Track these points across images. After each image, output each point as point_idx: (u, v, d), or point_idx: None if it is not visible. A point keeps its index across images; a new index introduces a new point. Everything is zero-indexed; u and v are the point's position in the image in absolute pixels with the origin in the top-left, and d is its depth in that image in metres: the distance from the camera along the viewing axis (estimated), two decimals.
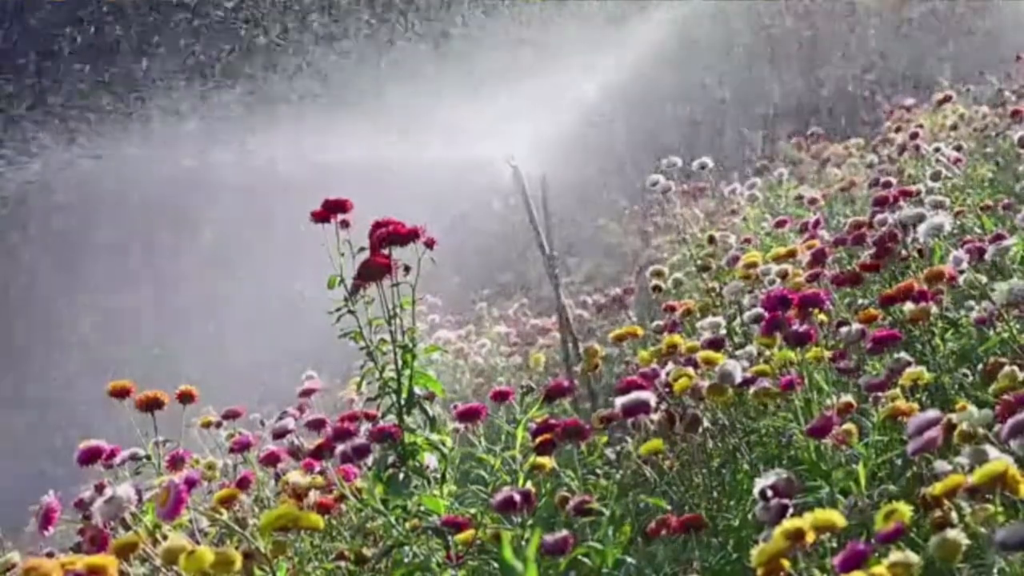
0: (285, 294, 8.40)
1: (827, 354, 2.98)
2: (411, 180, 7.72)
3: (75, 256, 10.51)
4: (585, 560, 2.37)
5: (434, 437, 2.99)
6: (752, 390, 3.02)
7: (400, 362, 2.99)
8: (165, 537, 2.40)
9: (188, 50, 10.74)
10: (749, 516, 2.90)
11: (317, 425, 3.37)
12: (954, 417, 2.23)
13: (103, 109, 10.15)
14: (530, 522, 2.56)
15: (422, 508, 2.86)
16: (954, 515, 1.97)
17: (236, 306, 9.23)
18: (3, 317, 10.79)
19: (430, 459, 2.97)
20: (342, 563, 2.90)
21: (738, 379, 3.05)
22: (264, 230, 9.29)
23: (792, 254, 4.19)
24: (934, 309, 3.27)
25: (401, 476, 2.90)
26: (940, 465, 2.12)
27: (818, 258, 4.01)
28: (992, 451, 2.03)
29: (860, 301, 3.97)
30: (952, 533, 1.86)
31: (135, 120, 10.32)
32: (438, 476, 2.97)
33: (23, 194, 10.28)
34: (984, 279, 3.44)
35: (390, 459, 2.92)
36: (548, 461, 2.89)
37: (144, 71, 10.49)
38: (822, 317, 3.44)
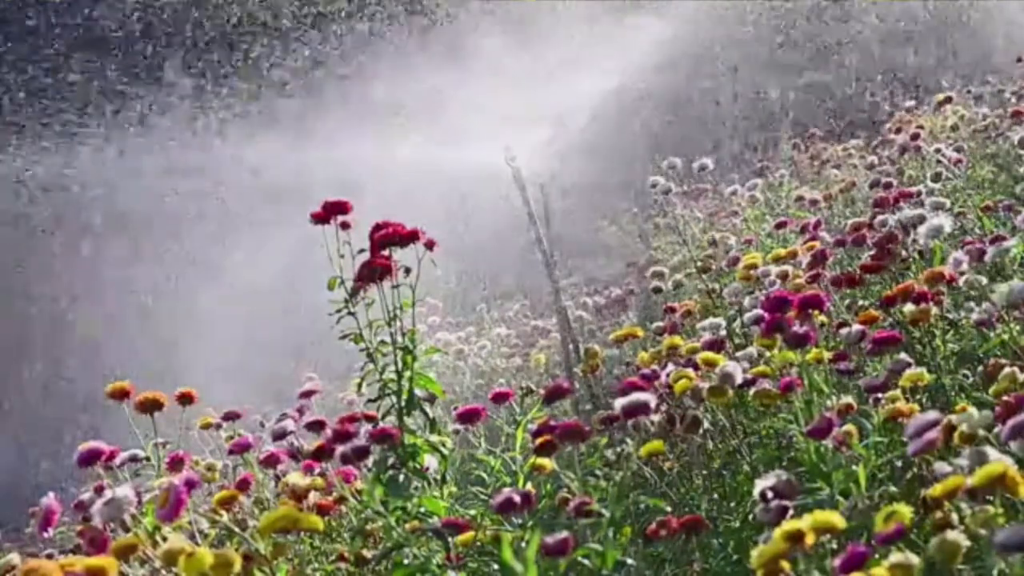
0: (286, 295, 8.41)
1: (827, 355, 2.98)
2: (411, 181, 7.72)
3: (75, 256, 10.52)
4: (585, 562, 2.37)
5: (434, 438, 2.99)
6: (752, 391, 3.02)
7: (400, 364, 2.99)
8: (165, 539, 2.40)
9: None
10: (749, 517, 2.89)
11: (317, 427, 3.37)
12: (954, 418, 2.23)
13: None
14: (530, 523, 2.55)
15: (422, 510, 2.86)
16: (954, 516, 1.97)
17: (236, 307, 9.24)
18: (3, 316, 10.80)
19: (430, 460, 2.98)
20: (342, 565, 2.90)
21: (738, 380, 3.04)
22: (263, 230, 9.30)
23: (792, 255, 4.19)
24: (934, 310, 3.27)
25: (401, 478, 2.90)
26: (940, 467, 2.12)
27: (818, 259, 4.01)
28: (992, 453, 2.03)
29: (860, 302, 3.97)
30: (952, 534, 1.85)
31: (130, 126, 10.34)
32: (438, 478, 2.97)
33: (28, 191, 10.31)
34: (984, 280, 3.44)
35: (390, 461, 2.92)
36: (548, 462, 2.88)
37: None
38: (822, 318, 3.43)
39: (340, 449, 2.79)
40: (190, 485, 2.41)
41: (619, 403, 2.57)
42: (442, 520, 2.73)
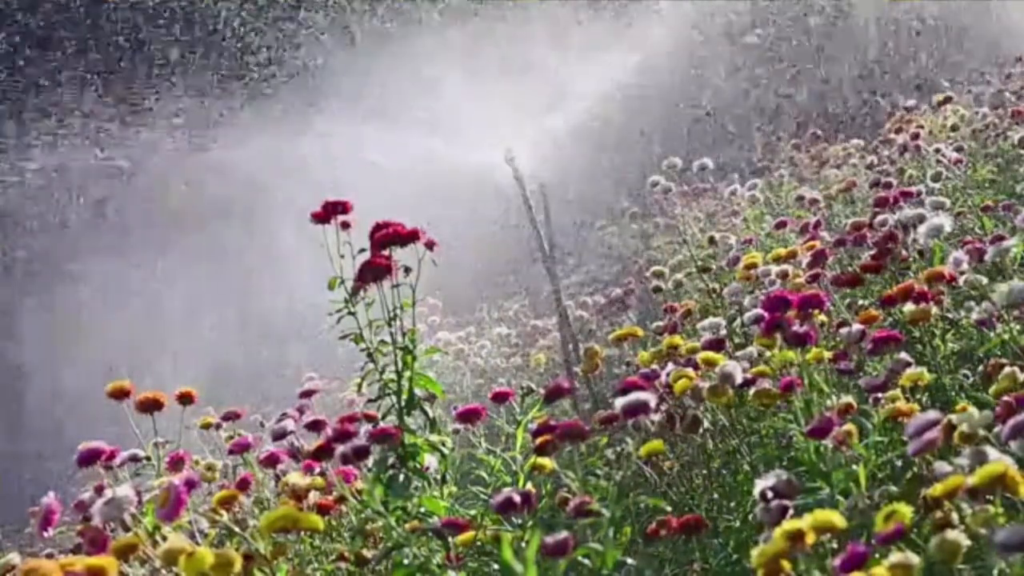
0: (285, 295, 8.40)
1: (827, 355, 2.98)
2: (411, 180, 7.72)
3: (72, 255, 10.51)
4: (585, 562, 2.37)
5: (434, 438, 2.99)
6: (752, 391, 3.02)
7: (400, 363, 2.99)
8: (165, 538, 2.40)
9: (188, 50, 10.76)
10: (749, 517, 2.89)
11: (317, 426, 3.36)
12: (954, 418, 2.23)
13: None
14: (530, 523, 2.55)
15: (422, 509, 2.86)
16: (954, 516, 1.97)
17: (235, 307, 9.24)
18: (3, 314, 10.81)
19: (430, 460, 2.98)
20: (342, 564, 2.90)
21: (738, 380, 3.04)
22: (263, 230, 9.30)
23: (792, 255, 4.19)
24: (934, 310, 3.27)
25: (401, 477, 2.90)
26: (940, 466, 2.12)
27: (818, 259, 4.01)
28: (992, 452, 2.03)
29: (860, 302, 3.97)
30: (952, 534, 1.85)
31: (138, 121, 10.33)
32: (438, 477, 2.97)
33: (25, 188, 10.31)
34: (984, 280, 3.44)
35: (390, 460, 2.92)
36: (548, 462, 2.89)
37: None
38: (822, 318, 3.44)
39: (340, 449, 2.78)
40: (190, 485, 2.41)
41: (619, 403, 2.57)
42: (442, 520, 2.73)
